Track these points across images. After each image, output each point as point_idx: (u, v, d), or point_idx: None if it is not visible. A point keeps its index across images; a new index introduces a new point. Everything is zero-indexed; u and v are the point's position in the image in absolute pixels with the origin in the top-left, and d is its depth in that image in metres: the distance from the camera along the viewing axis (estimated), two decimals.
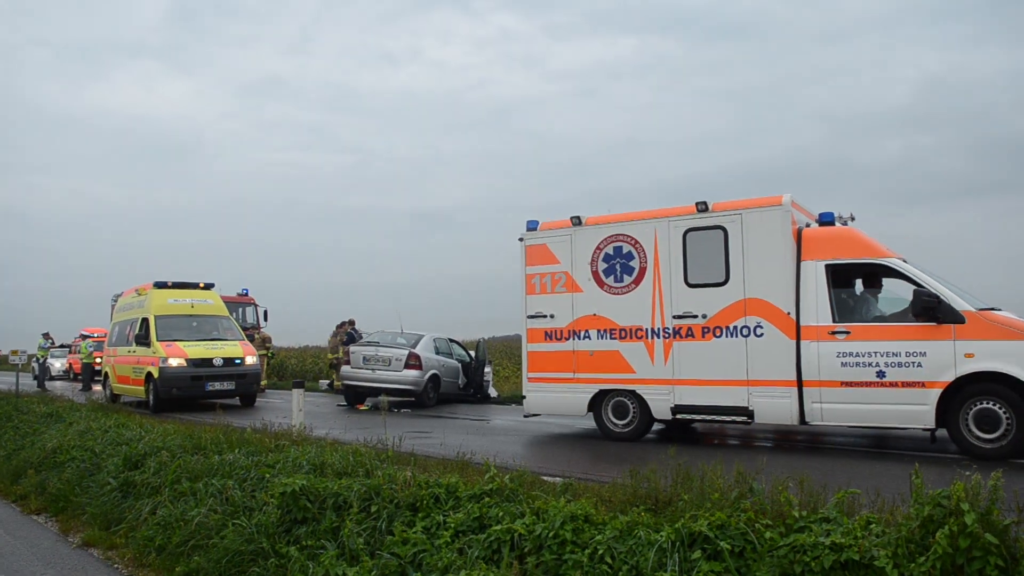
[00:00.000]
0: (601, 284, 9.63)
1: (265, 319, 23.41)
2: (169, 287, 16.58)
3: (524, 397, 10.26)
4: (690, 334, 8.91)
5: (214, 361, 15.24)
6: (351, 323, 20.15)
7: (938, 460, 7.31)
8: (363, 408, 15.43)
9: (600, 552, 3.88)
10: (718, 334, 8.72)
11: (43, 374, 24.67)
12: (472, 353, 17.56)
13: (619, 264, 9.54)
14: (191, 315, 16.46)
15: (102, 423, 10.14)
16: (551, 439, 10.02)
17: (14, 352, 22.26)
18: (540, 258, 10.25)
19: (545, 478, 5.87)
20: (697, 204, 8.97)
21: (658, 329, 9.13)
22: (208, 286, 17.42)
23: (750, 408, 8.45)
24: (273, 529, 5.17)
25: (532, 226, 10.47)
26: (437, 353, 16.38)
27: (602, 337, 9.54)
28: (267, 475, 6.05)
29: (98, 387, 21.47)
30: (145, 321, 15.95)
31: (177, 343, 15.30)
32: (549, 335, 9.99)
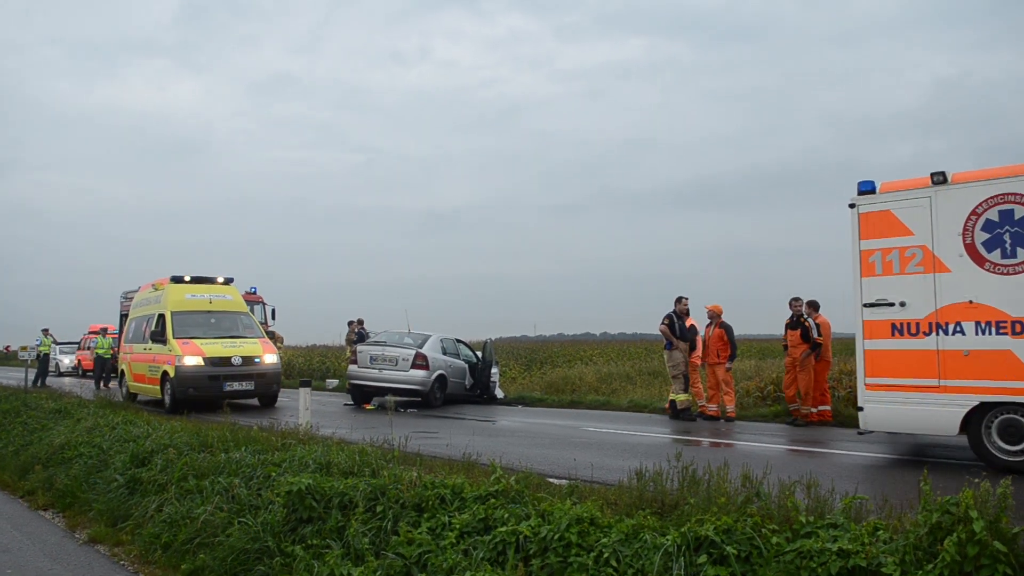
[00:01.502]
0: (980, 261, 7.41)
1: (273, 317, 23.46)
2: (187, 282, 15.86)
3: (860, 409, 8.13)
4: None
5: (232, 360, 14.52)
6: (360, 322, 20.18)
7: (948, 466, 7.27)
8: (369, 408, 15.44)
9: (605, 555, 3.87)
10: None
11: (43, 371, 24.38)
12: (479, 354, 17.55)
13: (1011, 234, 7.28)
14: (209, 311, 15.75)
15: (110, 420, 10.19)
16: (557, 441, 10.00)
17: (23, 348, 22.38)
18: (882, 228, 8.00)
19: (551, 480, 5.86)
20: None
21: None
22: (228, 281, 16.70)
23: None
24: (279, 528, 5.19)
25: (868, 187, 8.18)
26: (444, 353, 16.37)
27: (983, 332, 7.34)
28: (273, 474, 6.06)
29: (114, 383, 21.57)
30: (161, 318, 15.28)
31: (194, 341, 14.62)
32: (898, 329, 7.84)
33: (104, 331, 25.07)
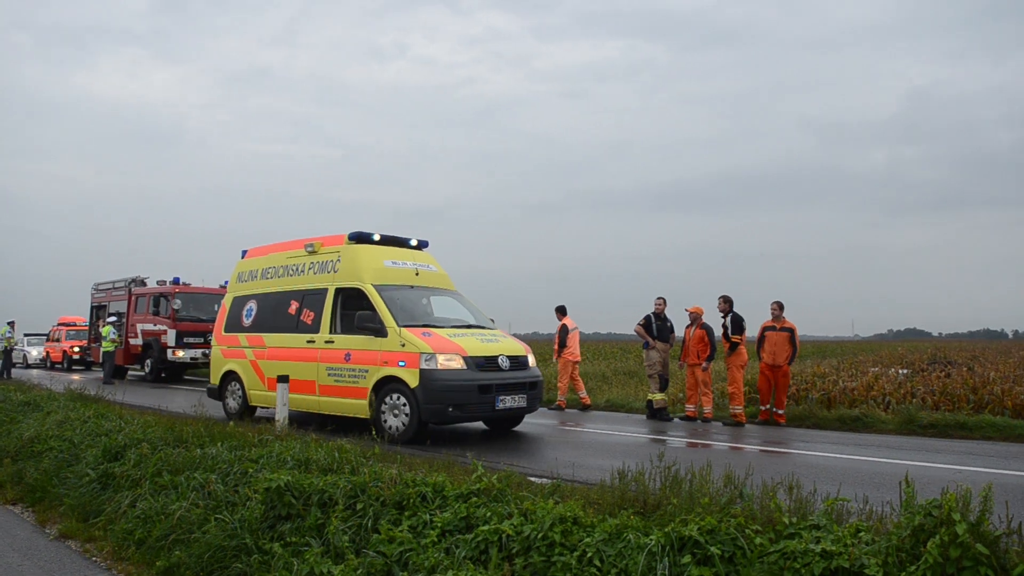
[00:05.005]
0: None
1: None
2: (376, 242, 11.03)
3: None
4: None
5: (500, 362, 9.72)
6: None
7: (928, 469, 7.36)
8: None
9: (589, 555, 3.86)
10: None
11: (7, 364, 23.90)
12: None
13: None
14: (419, 288, 10.98)
15: (81, 413, 10.00)
16: (537, 439, 10.00)
17: None
18: None
19: (532, 479, 5.85)
20: None
21: None
22: (421, 245, 11.82)
23: None
24: (257, 525, 5.11)
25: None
26: None
27: None
28: (250, 470, 5.99)
29: (113, 375, 21.14)
30: (355, 295, 10.46)
31: (436, 331, 9.78)
32: None
33: (114, 316, 23.95)
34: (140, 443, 7.39)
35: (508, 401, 9.56)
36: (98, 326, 24.77)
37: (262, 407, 11.67)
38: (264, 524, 5.14)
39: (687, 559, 3.64)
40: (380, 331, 9.67)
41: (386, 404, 9.43)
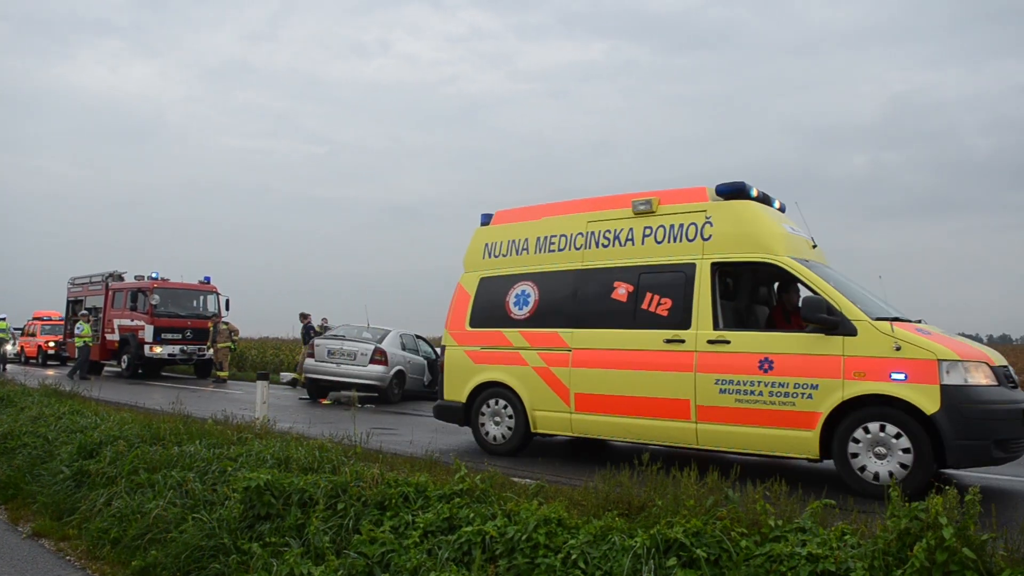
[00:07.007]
0: None
1: (227, 308, 23.03)
2: (756, 197, 7.58)
3: None
4: None
5: (1011, 372, 6.83)
6: (308, 316, 19.95)
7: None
8: (326, 402, 15.22)
9: (574, 557, 3.83)
10: None
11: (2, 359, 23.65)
12: (438, 350, 17.40)
13: None
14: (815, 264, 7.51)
15: (55, 409, 9.83)
16: None
17: None
18: None
19: (515, 480, 5.81)
20: None
21: None
22: (783, 207, 8.26)
23: None
24: (235, 524, 5.04)
25: None
26: (403, 349, 16.26)
27: None
28: (229, 468, 5.90)
29: (81, 374, 20.80)
30: (753, 273, 7.84)
31: (930, 329, 6.87)
32: None
33: (92, 310, 23.42)
34: (116, 440, 7.27)
35: None
36: (74, 321, 24.37)
37: (562, 434, 8.27)
38: (243, 524, 5.06)
39: (672, 562, 3.61)
40: (840, 326, 6.51)
41: (858, 440, 6.28)
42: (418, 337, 17.59)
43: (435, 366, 17.08)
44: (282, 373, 21.30)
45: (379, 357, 15.06)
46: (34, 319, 33.16)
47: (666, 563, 3.62)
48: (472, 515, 4.42)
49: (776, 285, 8.22)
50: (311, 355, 15.81)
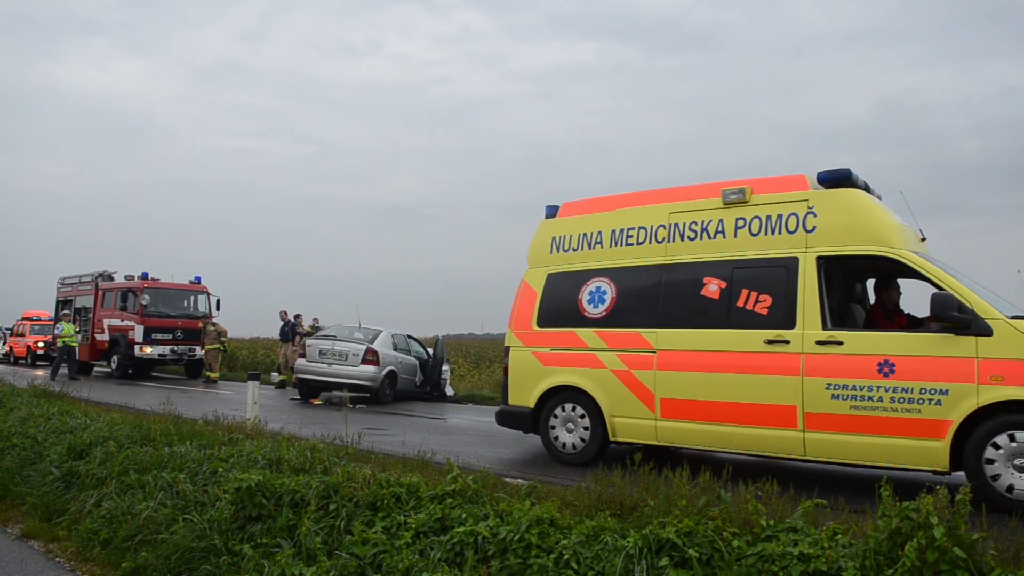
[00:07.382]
0: None
1: (217, 308, 22.96)
2: (862, 187, 7.02)
3: None
4: None
5: None
6: (293, 316, 19.93)
7: (905, 473, 7.41)
8: (317, 403, 15.18)
9: (566, 557, 3.83)
10: None
11: None
12: (430, 351, 17.43)
13: None
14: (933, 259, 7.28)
15: (44, 410, 9.77)
16: (512, 440, 9.95)
17: None
18: None
19: (507, 480, 5.80)
20: None
21: None
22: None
23: None
24: (226, 525, 5.01)
25: None
26: (395, 349, 16.24)
27: None
28: (220, 469, 5.88)
29: (70, 374, 20.66)
30: (865, 268, 7.56)
31: None
32: None
33: (68, 315, 23.11)
34: (106, 441, 7.23)
35: None
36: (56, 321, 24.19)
37: (645, 442, 7.48)
38: (234, 525, 5.04)
39: (664, 561, 3.62)
40: (972, 325, 5.89)
41: (999, 447, 5.63)
42: (410, 337, 17.58)
43: (427, 366, 17.11)
44: (272, 374, 21.25)
45: (371, 357, 15.04)
46: (23, 319, 32.98)
47: (658, 563, 3.63)
48: (464, 516, 4.42)
49: (874, 281, 7.68)
50: (302, 355, 15.77)
